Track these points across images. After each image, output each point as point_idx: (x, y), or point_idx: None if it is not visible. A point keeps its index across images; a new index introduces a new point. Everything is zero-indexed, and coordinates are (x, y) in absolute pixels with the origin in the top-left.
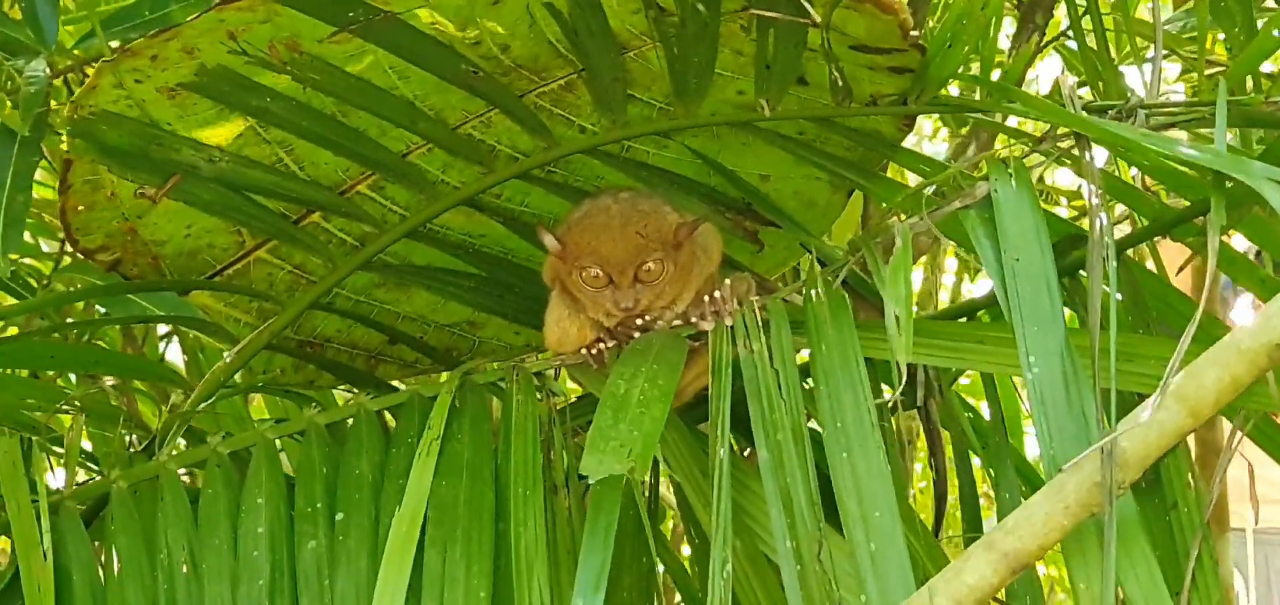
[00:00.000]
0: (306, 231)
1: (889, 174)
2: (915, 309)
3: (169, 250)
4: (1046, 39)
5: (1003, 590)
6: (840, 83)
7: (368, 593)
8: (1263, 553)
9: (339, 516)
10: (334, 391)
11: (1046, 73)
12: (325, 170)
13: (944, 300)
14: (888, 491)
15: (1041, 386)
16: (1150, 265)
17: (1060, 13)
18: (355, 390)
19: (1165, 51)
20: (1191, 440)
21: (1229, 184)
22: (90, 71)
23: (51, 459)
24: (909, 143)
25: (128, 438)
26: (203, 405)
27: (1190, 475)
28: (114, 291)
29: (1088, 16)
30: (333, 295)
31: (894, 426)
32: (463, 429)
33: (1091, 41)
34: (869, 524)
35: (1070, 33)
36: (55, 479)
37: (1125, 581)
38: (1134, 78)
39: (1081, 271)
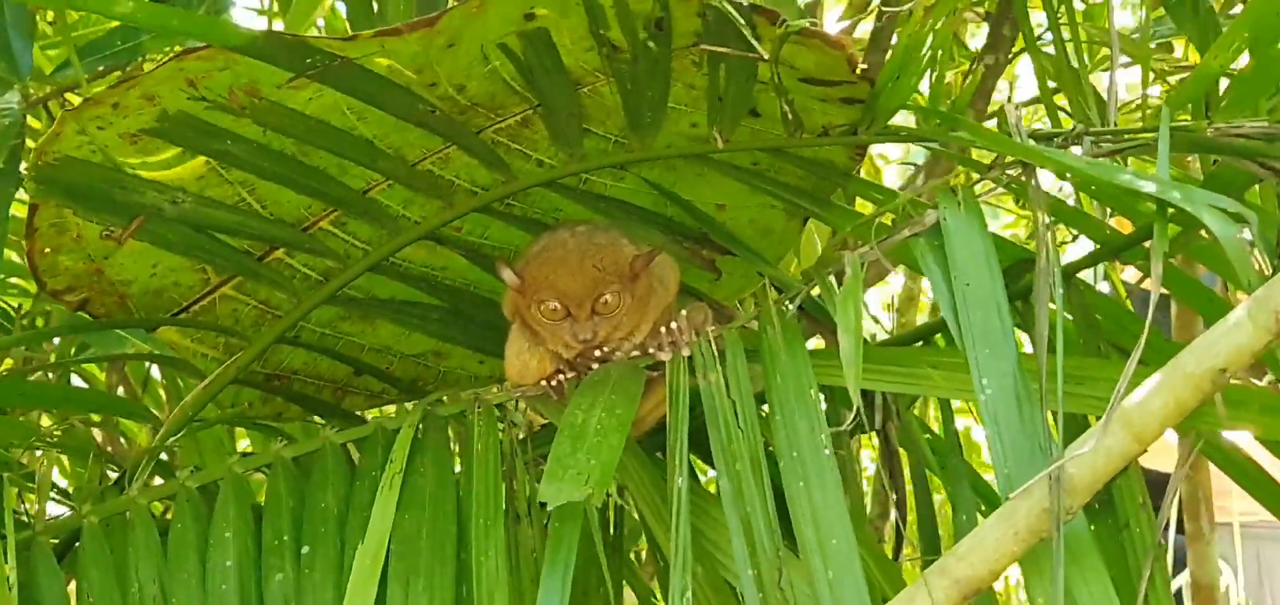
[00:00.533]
0: (271, 267)
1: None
2: (893, 318)
3: (135, 289)
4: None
5: None
6: (790, 115)
7: None
8: (1253, 546)
9: (305, 549)
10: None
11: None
12: (288, 208)
13: (927, 301)
14: (844, 519)
15: (994, 409)
16: (1104, 286)
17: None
18: (324, 421)
19: (1132, 62)
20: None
21: (1173, 209)
22: (72, 99)
23: (27, 494)
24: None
25: (104, 471)
26: (172, 440)
27: (1142, 496)
28: (83, 330)
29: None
30: (298, 329)
31: (853, 451)
32: (425, 462)
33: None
34: (826, 552)
35: (1043, 40)
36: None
37: (1079, 601)
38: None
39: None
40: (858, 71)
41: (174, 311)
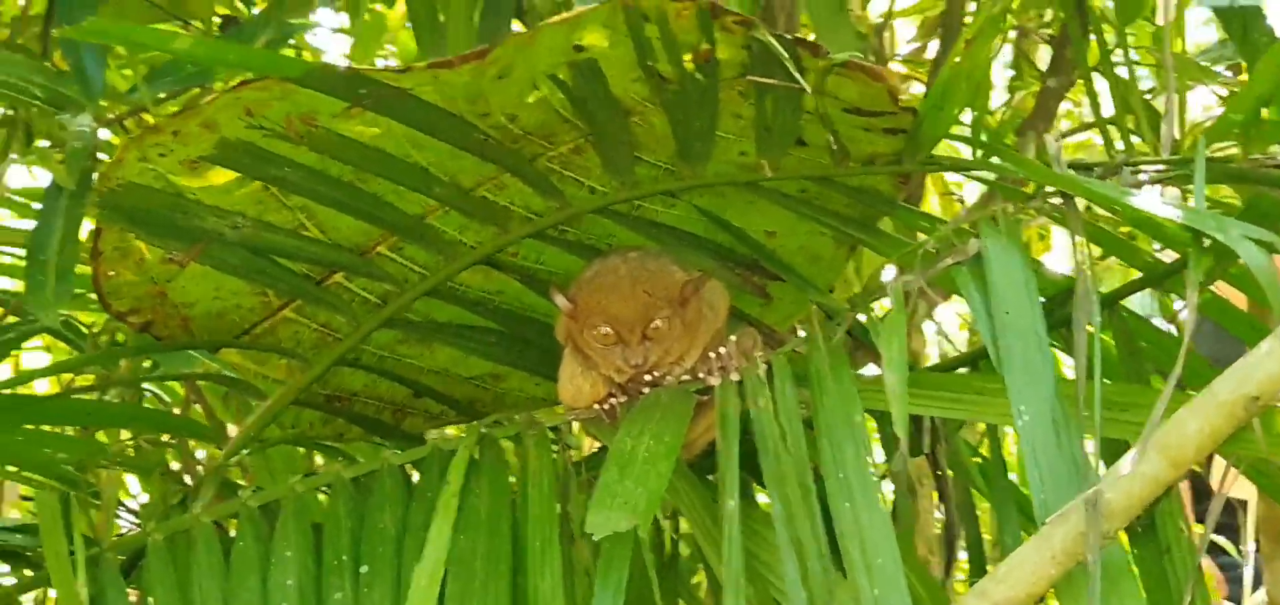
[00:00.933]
0: (330, 291)
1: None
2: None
3: (198, 311)
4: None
5: None
6: (834, 146)
7: None
8: None
9: (363, 569)
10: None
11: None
12: (346, 233)
13: None
14: (890, 539)
15: (1032, 435)
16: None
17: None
18: (383, 442)
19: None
20: None
21: (1209, 240)
22: (148, 119)
23: (94, 510)
24: None
25: (173, 488)
26: (236, 459)
27: (1182, 521)
28: (152, 350)
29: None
30: (358, 352)
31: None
32: (481, 483)
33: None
34: (872, 571)
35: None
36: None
37: None
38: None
39: None
40: (900, 102)
41: (236, 334)
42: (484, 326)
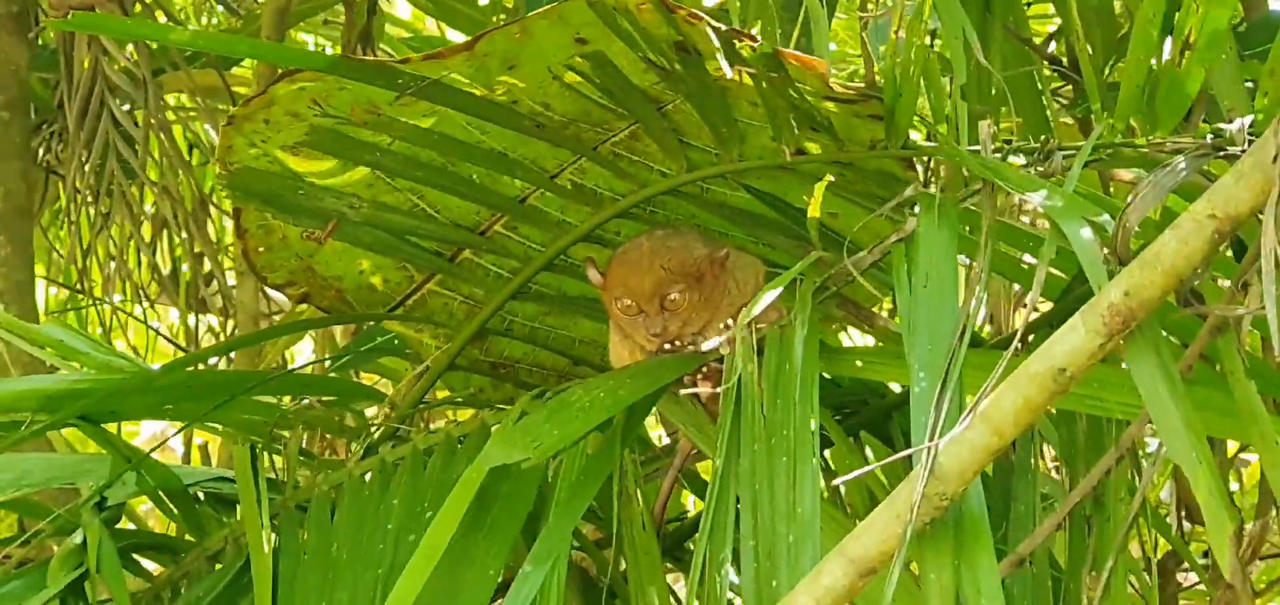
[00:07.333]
0: (464, 267)
1: None
2: None
3: (348, 284)
4: None
5: None
6: (817, 128)
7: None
8: None
9: (427, 515)
10: None
11: None
12: (459, 213)
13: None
14: (814, 490)
15: (924, 401)
16: None
17: None
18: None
19: None
20: None
21: None
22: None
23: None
24: None
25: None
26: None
27: (1125, 491)
28: (315, 325)
29: None
30: (507, 323)
31: None
32: None
33: None
34: (792, 517)
35: None
36: None
37: (963, 581)
38: None
39: None
40: (833, 90)
41: (389, 306)
42: None
